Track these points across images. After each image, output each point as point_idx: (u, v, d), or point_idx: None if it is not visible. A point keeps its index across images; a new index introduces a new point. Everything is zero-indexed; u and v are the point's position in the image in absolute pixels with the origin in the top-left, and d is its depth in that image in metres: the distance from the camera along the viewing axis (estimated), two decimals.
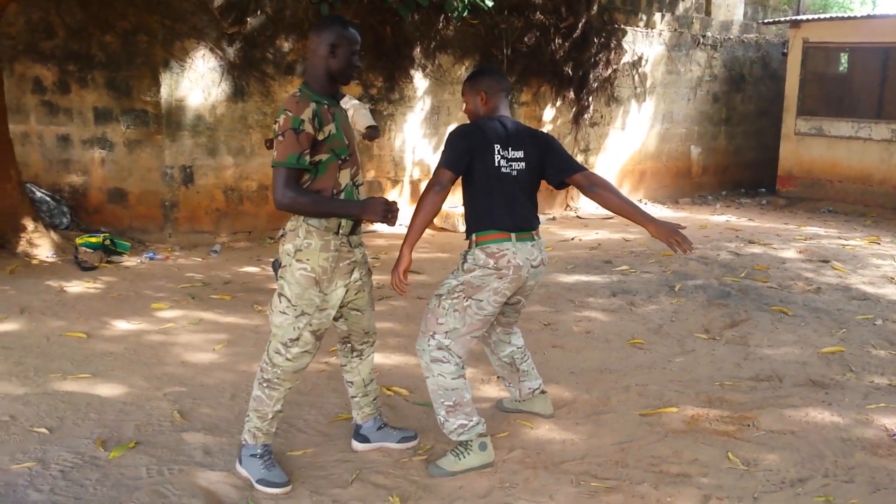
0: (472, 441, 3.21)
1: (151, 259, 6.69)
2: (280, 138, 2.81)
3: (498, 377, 3.88)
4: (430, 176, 3.68)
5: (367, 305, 3.19)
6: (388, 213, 2.87)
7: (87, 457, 3.20)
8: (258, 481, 3.00)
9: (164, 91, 6.91)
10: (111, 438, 3.38)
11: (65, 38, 6.91)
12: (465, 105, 3.49)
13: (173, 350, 4.55)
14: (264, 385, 3.03)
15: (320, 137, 2.85)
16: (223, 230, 7.51)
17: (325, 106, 2.89)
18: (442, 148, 3.33)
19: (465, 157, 3.19)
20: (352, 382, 3.34)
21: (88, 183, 7.22)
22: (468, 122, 3.45)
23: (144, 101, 6.96)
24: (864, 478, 3.19)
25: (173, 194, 7.18)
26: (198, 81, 7.08)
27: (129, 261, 6.60)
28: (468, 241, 3.28)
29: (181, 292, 5.77)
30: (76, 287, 5.76)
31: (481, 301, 3.19)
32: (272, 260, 5.70)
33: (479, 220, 3.22)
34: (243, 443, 3.11)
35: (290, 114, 2.80)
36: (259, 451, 3.08)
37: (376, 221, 2.90)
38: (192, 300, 5.58)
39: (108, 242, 6.54)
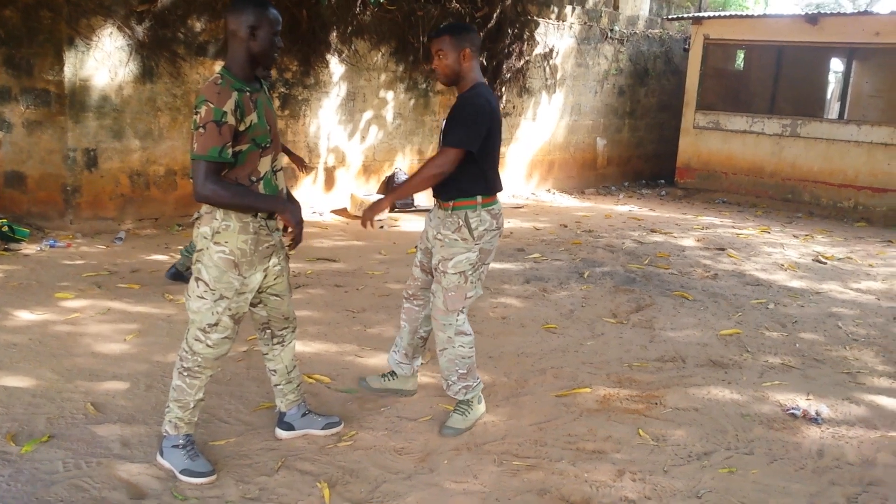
0: (472, 397, 3.54)
1: (52, 246, 6.40)
2: (201, 130, 2.72)
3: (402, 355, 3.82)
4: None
5: (285, 290, 3.18)
6: (300, 224, 2.93)
7: None
8: (182, 472, 2.97)
9: (68, 70, 6.59)
10: (22, 432, 3.25)
11: None
12: (437, 59, 3.27)
13: (82, 341, 4.39)
14: (184, 374, 2.98)
15: (241, 128, 2.78)
16: (128, 217, 7.25)
17: (248, 93, 2.82)
18: (449, 121, 3.28)
19: (482, 136, 3.26)
20: (275, 370, 3.32)
21: None
22: (442, 80, 3.36)
23: (46, 80, 6.62)
24: (763, 450, 3.45)
25: (76, 179, 6.87)
26: (104, 61, 6.79)
27: (29, 248, 6.29)
28: (455, 205, 3.31)
29: (86, 281, 5.56)
30: None
31: (489, 264, 3.46)
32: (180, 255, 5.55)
33: (486, 185, 3.35)
34: (164, 434, 3.06)
35: (211, 105, 2.72)
36: (181, 441, 3.03)
37: (288, 225, 2.92)
38: (98, 289, 5.39)
39: (5, 229, 6.21)
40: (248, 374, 4.04)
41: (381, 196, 3.21)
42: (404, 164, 9.43)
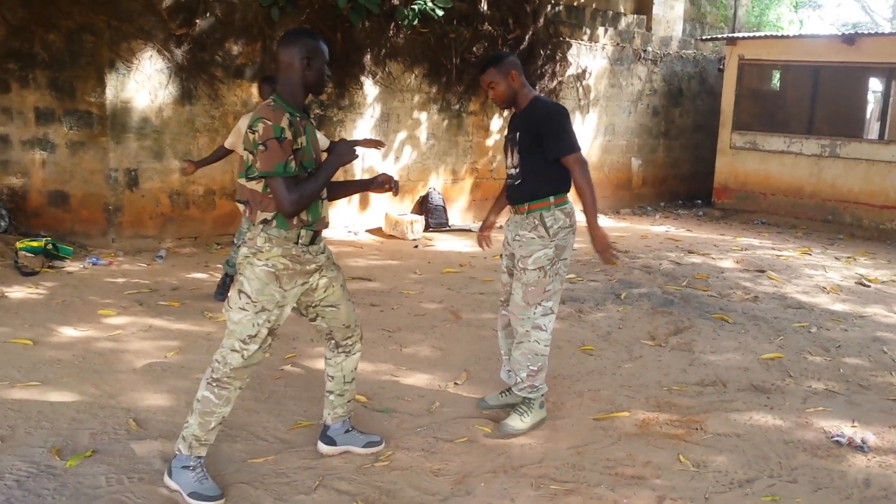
0: (534, 401, 3.72)
1: (95, 264, 6.53)
2: (262, 148, 2.80)
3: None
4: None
5: (340, 300, 3.21)
6: (349, 154, 3.03)
7: (42, 466, 3.13)
8: (190, 494, 2.93)
9: (110, 92, 6.76)
10: (66, 447, 3.31)
11: (5, 35, 6.70)
12: (492, 91, 3.62)
13: (124, 357, 4.46)
14: (213, 384, 2.97)
15: (295, 147, 2.88)
16: (168, 235, 7.37)
17: (298, 118, 2.92)
18: (554, 129, 3.54)
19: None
20: (332, 377, 3.34)
21: (28, 185, 7.00)
22: (502, 105, 3.71)
23: (89, 101, 6.80)
24: (807, 478, 3.36)
25: (117, 198, 7.01)
26: (144, 83, 6.95)
27: (72, 266, 6.43)
28: (531, 207, 3.60)
29: (128, 298, 5.65)
30: (18, 293, 5.58)
31: (566, 259, 3.63)
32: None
33: (557, 185, 3.62)
34: (176, 452, 3.03)
35: (268, 122, 2.81)
36: (192, 462, 2.99)
37: (347, 161, 3.02)
38: (139, 307, 5.47)
39: (49, 247, 6.35)
40: (286, 391, 4.07)
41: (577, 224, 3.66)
42: (438, 184, 9.47)
